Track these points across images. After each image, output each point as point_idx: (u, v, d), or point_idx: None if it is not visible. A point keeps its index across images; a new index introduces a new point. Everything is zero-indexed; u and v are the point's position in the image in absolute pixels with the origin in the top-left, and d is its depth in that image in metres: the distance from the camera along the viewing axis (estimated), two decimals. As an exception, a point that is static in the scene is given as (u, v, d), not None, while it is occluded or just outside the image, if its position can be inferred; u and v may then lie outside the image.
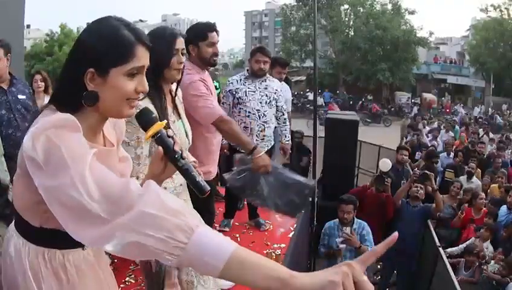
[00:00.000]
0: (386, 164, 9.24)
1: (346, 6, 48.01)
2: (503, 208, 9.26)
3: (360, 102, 42.00)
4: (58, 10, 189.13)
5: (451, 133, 18.89)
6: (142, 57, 1.76)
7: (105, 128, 1.95)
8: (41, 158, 1.55)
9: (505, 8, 48.13)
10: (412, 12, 45.73)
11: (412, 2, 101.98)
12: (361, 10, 46.61)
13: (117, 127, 2.08)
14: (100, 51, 1.71)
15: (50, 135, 1.57)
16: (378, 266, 9.31)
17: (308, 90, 44.72)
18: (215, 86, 5.57)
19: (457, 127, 21.36)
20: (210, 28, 4.45)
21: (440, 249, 7.48)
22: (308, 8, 46.34)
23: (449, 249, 8.30)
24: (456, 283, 6.43)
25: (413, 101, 45.08)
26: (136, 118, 1.94)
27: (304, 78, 52.05)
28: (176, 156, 1.87)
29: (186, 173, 1.88)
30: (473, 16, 59.63)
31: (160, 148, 1.88)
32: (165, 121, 1.94)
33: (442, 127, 20.13)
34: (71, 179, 1.50)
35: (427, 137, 17.58)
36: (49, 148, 1.56)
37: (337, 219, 7.28)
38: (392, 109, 42.25)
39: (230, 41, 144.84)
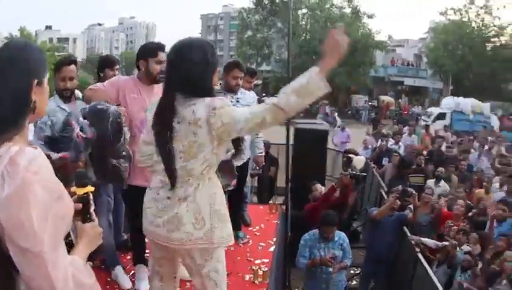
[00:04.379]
0: (360, 162, 9.42)
1: (304, 10, 48.09)
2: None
3: (317, 106, 42.17)
4: (17, 13, 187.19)
5: (414, 137, 19.05)
6: None
7: None
8: None
9: (465, 11, 49.35)
10: (370, 17, 46.24)
11: (371, 6, 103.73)
12: (320, 14, 46.68)
13: None
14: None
15: None
16: (352, 271, 9.47)
17: (264, 94, 44.54)
18: None
19: (419, 130, 21.71)
20: (160, 47, 4.62)
21: (419, 254, 7.73)
22: (265, 12, 46.46)
23: (424, 239, 8.32)
24: (439, 286, 6.61)
25: (370, 104, 45.54)
26: (75, 175, 2.26)
27: (259, 82, 52.02)
28: (89, 215, 2.14)
29: None
30: (431, 19, 60.53)
31: (81, 205, 2.10)
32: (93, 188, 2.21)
33: (405, 131, 20.17)
34: None
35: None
36: None
37: (316, 231, 7.28)
38: (349, 112, 42.67)
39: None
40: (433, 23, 56.22)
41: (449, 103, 34.53)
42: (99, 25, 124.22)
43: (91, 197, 2.18)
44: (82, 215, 2.11)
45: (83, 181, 2.18)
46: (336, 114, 33.70)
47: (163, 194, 3.19)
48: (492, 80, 47.98)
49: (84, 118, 4.24)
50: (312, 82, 3.00)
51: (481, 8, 49.03)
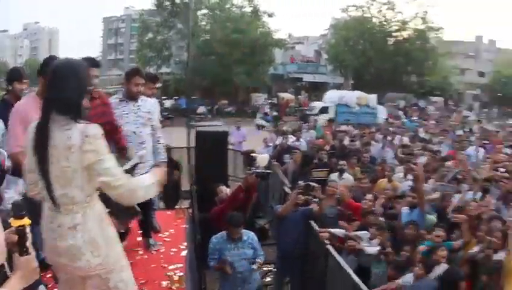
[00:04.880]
0: (264, 159, 9.47)
1: (204, 11, 47.78)
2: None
3: (216, 106, 42.16)
4: None
5: (312, 132, 19.44)
6: None
7: None
8: None
9: (367, 8, 50.58)
10: (270, 15, 46.45)
11: (272, 5, 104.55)
12: (220, 14, 46.55)
13: None
14: None
15: None
16: (265, 269, 9.43)
17: (164, 97, 44.10)
18: None
19: (319, 125, 21.84)
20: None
21: (328, 246, 7.72)
22: (166, 13, 46.06)
23: (332, 230, 8.40)
24: (353, 275, 6.69)
25: (269, 101, 45.63)
26: (12, 205, 2.24)
27: (159, 85, 51.07)
28: (25, 249, 2.15)
29: None
30: (332, 16, 61.54)
31: (16, 237, 2.14)
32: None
33: (304, 127, 20.41)
34: None
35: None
36: None
37: (224, 233, 7.32)
38: (249, 111, 42.76)
39: (89, 49, 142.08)
40: (334, 20, 56.97)
41: (332, 96, 35.13)
42: (5, 31, 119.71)
43: (28, 230, 2.18)
44: (18, 247, 2.12)
45: (20, 213, 2.16)
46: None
47: (54, 222, 3.23)
48: (394, 73, 49.53)
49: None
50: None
51: (384, 4, 50.28)
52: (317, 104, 35.65)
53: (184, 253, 6.44)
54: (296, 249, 8.76)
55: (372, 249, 7.93)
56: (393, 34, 51.13)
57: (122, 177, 3.24)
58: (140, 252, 6.45)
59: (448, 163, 12.80)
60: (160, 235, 7.17)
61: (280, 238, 9.29)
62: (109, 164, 3.18)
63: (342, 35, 50.69)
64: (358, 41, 49.44)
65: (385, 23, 50.92)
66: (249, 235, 7.45)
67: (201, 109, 40.16)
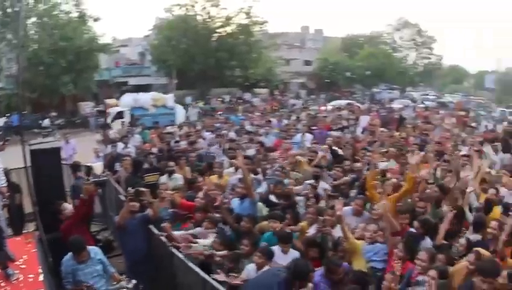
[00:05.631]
0: (99, 167, 9.68)
1: (34, 19, 45.17)
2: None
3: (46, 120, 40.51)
4: None
5: (138, 137, 19.38)
6: None
7: None
8: None
9: (191, 6, 50.00)
10: (96, 20, 44.92)
11: (97, 8, 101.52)
12: (48, 22, 44.46)
13: None
14: None
15: None
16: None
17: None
18: None
19: (145, 130, 21.62)
20: None
21: (172, 248, 8.22)
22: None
23: (173, 233, 8.77)
24: (201, 272, 7.20)
25: (96, 109, 43.45)
26: None
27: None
28: None
29: None
30: (156, 16, 60.63)
31: None
32: None
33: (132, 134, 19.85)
34: None
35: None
36: None
37: (70, 254, 7.40)
38: (78, 121, 41.30)
39: None
40: (158, 20, 56.32)
41: (127, 100, 34.16)
42: None
43: None
44: None
45: None
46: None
47: None
48: (219, 68, 49.76)
49: None
50: None
51: (208, 1, 50.07)
52: (113, 110, 34.27)
53: (41, 277, 6.44)
54: (141, 255, 9.03)
55: (205, 241, 8.35)
56: (218, 30, 51.27)
57: None
58: (3, 284, 6.38)
59: (272, 154, 13.46)
60: (16, 263, 7.08)
61: (124, 247, 9.48)
62: None
63: (165, 35, 50.32)
64: (181, 40, 48.94)
65: (209, 20, 50.94)
66: (94, 251, 7.64)
67: (46, 123, 38.16)
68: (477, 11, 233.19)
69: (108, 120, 31.73)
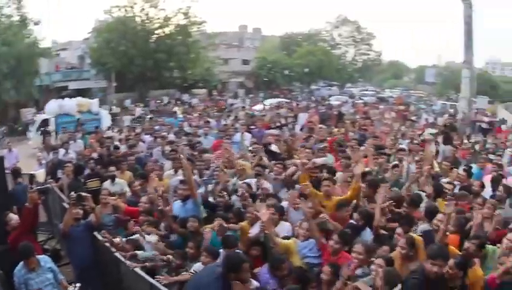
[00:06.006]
0: (42, 174, 9.62)
1: None
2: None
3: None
4: None
5: (80, 142, 19.11)
6: None
7: None
8: None
9: (130, 7, 49.47)
10: (37, 23, 43.68)
11: (35, 11, 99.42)
12: None
13: None
14: None
15: None
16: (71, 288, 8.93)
17: None
18: None
19: (86, 135, 21.01)
20: None
21: (117, 254, 8.24)
22: None
23: (114, 239, 8.80)
24: (147, 277, 7.32)
25: (37, 115, 42.07)
26: None
27: None
28: None
29: None
30: (96, 18, 59.46)
31: None
32: None
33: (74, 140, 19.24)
34: None
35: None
36: None
37: (22, 263, 7.51)
38: (20, 129, 39.46)
39: None
40: (97, 22, 55.43)
41: (52, 107, 32.61)
42: None
43: None
44: None
45: None
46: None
47: None
48: (156, 70, 49.56)
49: None
50: None
51: (147, 2, 49.72)
52: (39, 117, 32.66)
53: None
54: (88, 262, 9.10)
55: (151, 238, 8.60)
56: (156, 31, 51.00)
57: None
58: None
59: (207, 155, 13.50)
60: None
61: (71, 255, 9.56)
62: None
63: (104, 38, 49.38)
64: (120, 42, 48.19)
65: (148, 21, 50.59)
66: (44, 259, 7.73)
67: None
68: (417, 9, 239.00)
69: (33, 128, 30.86)
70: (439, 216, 8.14)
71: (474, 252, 7.14)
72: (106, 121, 31.76)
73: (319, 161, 12.50)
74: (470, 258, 6.91)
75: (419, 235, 7.71)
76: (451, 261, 6.38)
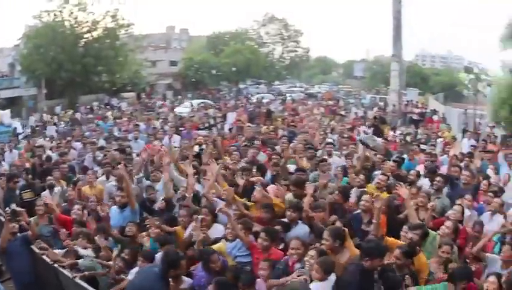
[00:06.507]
0: None
1: None
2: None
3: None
4: None
5: (16, 152, 18.55)
6: None
7: None
8: None
9: (59, 12, 48.52)
10: None
11: None
12: None
13: None
14: None
15: None
16: None
17: None
18: None
19: (21, 145, 20.94)
20: None
21: (55, 265, 8.17)
22: None
23: (52, 251, 8.59)
24: (87, 286, 7.34)
25: None
26: None
27: None
28: None
29: None
30: (26, 24, 57.82)
31: None
32: None
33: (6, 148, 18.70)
34: None
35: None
36: None
37: None
38: None
39: None
40: (27, 28, 53.07)
41: None
42: None
43: None
44: None
45: None
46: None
47: None
48: (85, 75, 48.83)
49: None
50: None
51: (75, 5, 48.90)
52: None
53: None
54: (28, 276, 8.93)
55: (85, 251, 8.46)
56: (85, 35, 50.28)
57: None
58: None
59: (137, 158, 13.64)
60: None
61: (11, 270, 9.36)
62: None
63: (34, 44, 48.15)
64: (49, 48, 47.09)
65: (76, 25, 49.68)
66: None
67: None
68: (345, 4, 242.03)
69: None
70: (366, 197, 8.78)
71: (417, 241, 7.58)
72: (19, 130, 30.91)
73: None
74: (414, 246, 7.37)
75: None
76: (397, 251, 6.89)
